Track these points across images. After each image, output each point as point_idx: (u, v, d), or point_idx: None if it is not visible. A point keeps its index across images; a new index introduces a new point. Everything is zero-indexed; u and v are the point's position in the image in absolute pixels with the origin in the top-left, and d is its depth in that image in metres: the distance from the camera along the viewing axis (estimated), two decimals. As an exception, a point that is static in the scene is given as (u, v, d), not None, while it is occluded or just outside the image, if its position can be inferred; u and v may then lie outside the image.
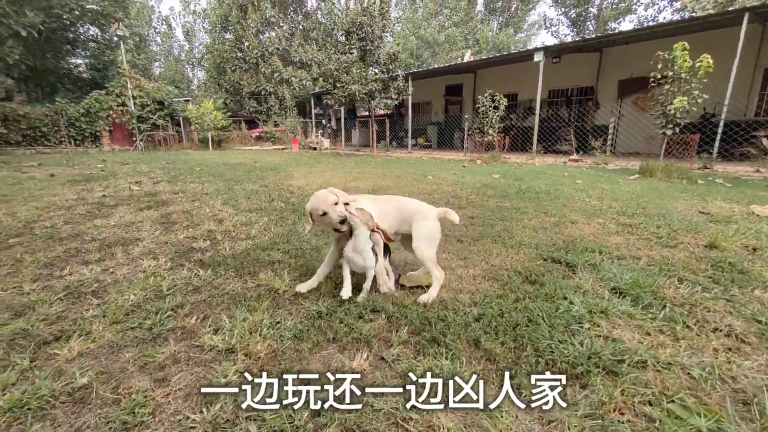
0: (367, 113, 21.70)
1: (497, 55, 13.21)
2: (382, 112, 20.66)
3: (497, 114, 10.22)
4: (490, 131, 10.40)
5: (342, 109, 18.87)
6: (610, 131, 10.67)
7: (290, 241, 3.17)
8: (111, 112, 17.85)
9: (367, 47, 11.75)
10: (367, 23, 11.32)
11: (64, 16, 19.30)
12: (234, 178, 7.17)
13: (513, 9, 33.54)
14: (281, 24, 24.91)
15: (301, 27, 25.71)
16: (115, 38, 19.02)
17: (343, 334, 1.73)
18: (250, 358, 1.57)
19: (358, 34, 11.75)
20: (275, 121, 22.16)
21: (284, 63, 23.51)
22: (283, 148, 18.98)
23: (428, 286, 2.29)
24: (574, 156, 11.24)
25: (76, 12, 19.96)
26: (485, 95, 10.28)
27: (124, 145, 18.33)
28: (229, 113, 22.27)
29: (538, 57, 11.20)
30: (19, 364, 1.52)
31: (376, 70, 12.27)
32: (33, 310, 1.98)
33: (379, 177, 7.34)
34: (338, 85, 12.00)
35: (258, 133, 22.17)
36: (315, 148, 17.86)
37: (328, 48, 12.20)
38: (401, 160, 11.66)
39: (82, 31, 23.09)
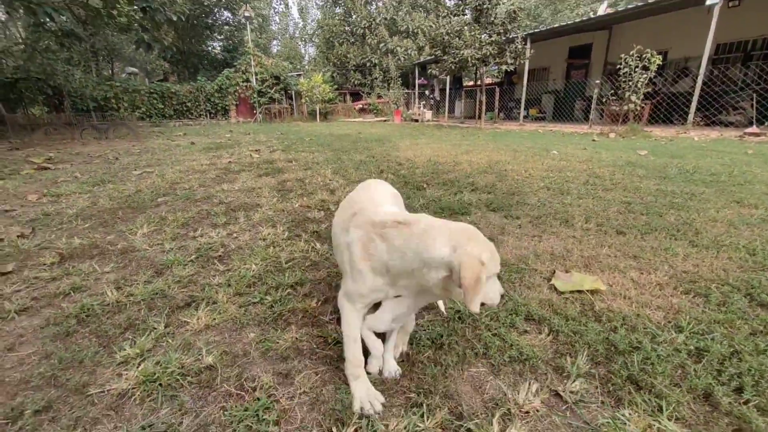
0: (473, 82, 20.19)
1: (648, 2, 10.60)
2: (489, 81, 18.99)
3: (646, 76, 8.22)
4: (633, 97, 8.47)
5: (448, 78, 17.86)
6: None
7: (406, 217, 2.85)
8: (237, 87, 19.99)
9: (483, 6, 10.54)
10: (484, -23, 10.10)
11: (205, 3, 21.92)
12: (341, 149, 7.20)
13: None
14: (388, -8, 24.40)
15: (408, -6, 24.84)
16: (243, 20, 20.95)
17: (496, 350, 1.32)
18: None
19: (472, -8, 10.61)
20: (378, 93, 22.22)
21: (390, 33, 23.14)
22: (385, 120, 18.99)
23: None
24: (753, 129, 8.61)
25: (215, -1, 22.57)
26: (631, 53, 8.32)
27: (246, 118, 20.50)
28: (336, 86, 23.08)
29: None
30: (155, 329, 1.49)
31: (491, 33, 11.00)
32: (170, 270, 2.03)
33: (492, 151, 6.58)
34: (448, 51, 11.14)
35: (361, 105, 22.58)
36: (417, 120, 17.39)
37: (440, 10, 11.28)
38: (513, 133, 10.48)
39: (218, 16, 26.12)
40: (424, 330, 1.45)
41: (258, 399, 1.11)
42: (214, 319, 1.55)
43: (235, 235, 2.61)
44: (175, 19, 11.54)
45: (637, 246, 2.26)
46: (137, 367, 1.26)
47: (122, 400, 1.15)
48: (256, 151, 7.19)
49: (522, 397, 1.11)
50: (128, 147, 8.50)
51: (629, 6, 10.81)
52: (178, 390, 1.18)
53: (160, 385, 1.20)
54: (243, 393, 1.16)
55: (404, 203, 3.08)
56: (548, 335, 1.41)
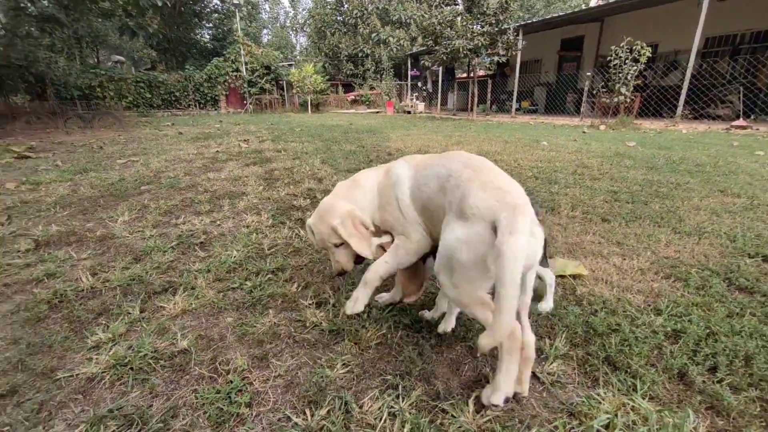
0: (465, 74, 20.11)
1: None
2: (482, 73, 18.91)
3: (636, 68, 8.24)
4: (623, 90, 8.50)
5: (440, 69, 17.76)
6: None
7: (393, 205, 2.82)
8: (227, 77, 19.62)
9: (475, -5, 10.44)
10: (477, -34, 9.97)
11: (192, -11, 21.38)
12: (332, 139, 7.13)
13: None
14: (381, -19, 24.04)
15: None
16: (232, 7, 20.50)
17: (475, 333, 1.31)
18: (359, 347, 1.26)
19: (465, -19, 10.48)
20: (371, 85, 22.01)
21: (382, 23, 22.86)
22: (377, 112, 18.84)
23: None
24: (740, 122, 8.73)
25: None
26: (622, 44, 8.32)
27: (236, 108, 20.18)
28: (327, 77, 22.79)
29: (703, -10, 8.64)
30: (130, 314, 1.45)
31: (483, 23, 10.91)
32: (149, 257, 1.98)
33: (482, 141, 6.57)
34: (440, 41, 11.04)
35: (353, 97, 22.37)
36: (409, 112, 17.29)
37: (432, 0, 11.14)
38: (504, 125, 10.47)
39: (206, 2, 25.50)
40: (405, 313, 1.44)
41: (231, 382, 1.09)
42: (191, 304, 1.52)
43: (218, 222, 2.57)
44: (160, 4, 11.22)
45: (621, 233, 2.27)
46: (108, 352, 1.23)
47: (91, 384, 1.11)
48: (245, 141, 7.08)
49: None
50: (114, 136, 8.31)
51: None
52: (149, 374, 1.15)
53: (131, 368, 1.17)
54: (216, 376, 1.13)
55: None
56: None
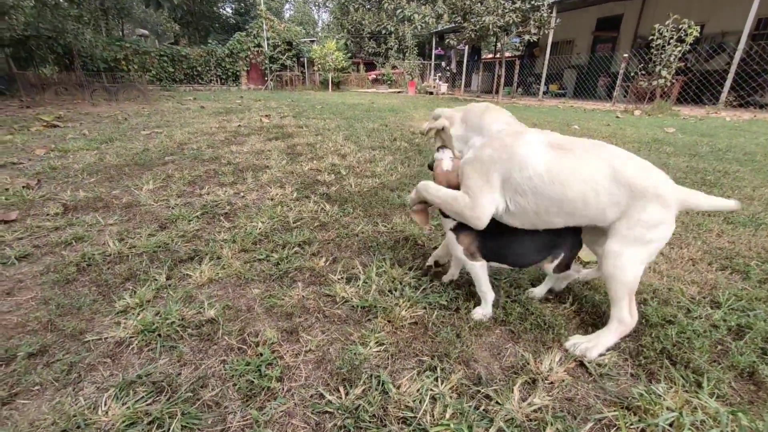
0: (491, 55, 19.33)
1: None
2: (509, 54, 18.14)
3: (680, 48, 7.67)
4: (664, 72, 7.96)
5: (465, 49, 17.13)
6: None
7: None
8: (249, 52, 19.47)
9: (508, -32, 9.84)
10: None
11: (215, -39, 21.05)
12: (354, 117, 6.98)
13: None
14: (407, -46, 23.05)
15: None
16: (254, -20, 20.11)
17: (517, 316, 1.23)
18: (393, 325, 1.20)
19: (498, -47, 9.87)
20: (393, 64, 21.46)
21: (407, -1, 22.07)
22: (399, 92, 18.43)
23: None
24: (790, 111, 8.09)
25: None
26: (667, 23, 7.73)
27: (257, 85, 20.09)
28: (349, 54, 22.33)
29: (762, -36, 7.88)
30: (156, 280, 1.43)
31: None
32: (174, 225, 1.96)
33: (509, 123, 6.30)
34: (469, 17, 10.55)
35: (375, 76, 21.90)
36: (431, 92, 16.83)
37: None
38: (532, 108, 10.06)
39: (229, -25, 25.14)
40: (438, 293, 1.36)
41: (260, 354, 1.05)
42: (218, 273, 1.48)
43: (242, 194, 2.53)
44: (184, -24, 11.07)
45: (667, 221, 2.11)
46: (137, 317, 1.21)
47: (119, 348, 1.09)
48: (267, 116, 7.02)
49: (546, 366, 1.02)
50: (138, 109, 8.38)
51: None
52: (177, 341, 1.12)
53: (159, 335, 1.14)
54: (245, 347, 1.09)
55: (418, 171, 2.93)
56: (572, 305, 1.31)
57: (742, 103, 9.96)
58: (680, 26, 7.65)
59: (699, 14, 11.92)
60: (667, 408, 0.88)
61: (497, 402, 0.91)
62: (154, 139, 4.48)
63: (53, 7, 13.14)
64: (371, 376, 0.98)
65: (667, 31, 7.75)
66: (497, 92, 13.14)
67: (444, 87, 17.06)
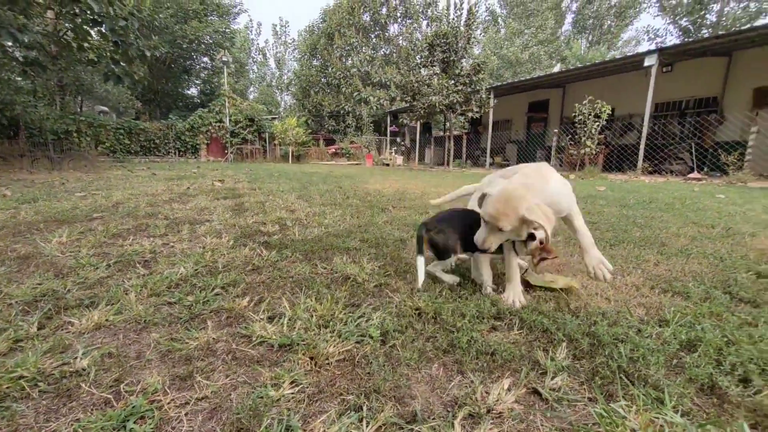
0: (442, 133, 21.24)
1: (596, 62, 11.82)
2: (457, 132, 20.04)
3: (598, 123, 8.88)
4: (588, 142, 9.06)
5: (418, 125, 18.68)
6: (751, 144, 8.60)
7: (369, 231, 2.64)
8: (210, 127, 19.89)
9: (450, 58, 11.33)
10: (451, 33, 10.95)
11: (184, 46, 22.43)
12: (309, 182, 7.04)
13: (606, 26, 30.98)
14: (363, 49, 26.07)
15: (382, 52, 26.65)
16: (221, 64, 21.44)
17: (464, 344, 1.08)
18: (315, 363, 1.00)
19: (441, 47, 11.42)
20: (351, 139, 22.78)
21: (364, 84, 24.35)
22: (357, 163, 19.26)
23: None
24: (695, 174, 9.33)
25: (194, 45, 23.21)
26: (584, 102, 9.04)
27: (217, 157, 20.19)
28: (310, 131, 23.51)
29: (650, 61, 9.68)
30: (22, 330, 1.14)
31: (457, 83, 11.74)
32: (75, 273, 1.67)
33: (461, 185, 6.63)
34: (418, 97, 11.69)
35: (334, 150, 22.95)
36: (388, 164, 17.76)
37: (410, 61, 12.01)
38: (480, 175, 10.79)
39: (196, 60, 26.66)
40: (375, 325, 1.19)
41: (131, 406, 0.80)
42: (110, 318, 1.22)
43: (171, 244, 2.28)
44: (149, 54, 11.54)
45: (607, 255, 2.14)
46: (-27, 373, 0.91)
47: (-70, 413, 0.79)
48: (221, 180, 6.90)
49: (493, 396, 0.86)
50: (81, 176, 7.95)
51: (579, 65, 11.97)
52: (18, 401, 0.84)
53: (-1, 393, 0.85)
54: (114, 400, 0.84)
55: (367, 221, 2.87)
56: (520, 330, 1.19)
57: (656, 170, 11.40)
58: (595, 105, 8.94)
59: (609, 100, 14.03)
60: (632, 429, 0.75)
61: (433, 440, 0.72)
62: (88, 199, 4.14)
63: (4, 82, 12.94)
64: (276, 421, 0.76)
65: (585, 109, 9.00)
66: (448, 164, 14.11)
67: (400, 159, 18.12)
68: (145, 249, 2.11)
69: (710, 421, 0.76)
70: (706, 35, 19.39)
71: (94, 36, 10.96)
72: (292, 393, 0.87)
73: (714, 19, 20.67)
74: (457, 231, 1.57)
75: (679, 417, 0.78)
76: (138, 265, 1.82)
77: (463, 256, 1.67)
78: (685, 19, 21.54)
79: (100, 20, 9.56)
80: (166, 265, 1.80)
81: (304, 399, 0.86)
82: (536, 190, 1.42)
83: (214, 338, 1.12)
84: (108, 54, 11.33)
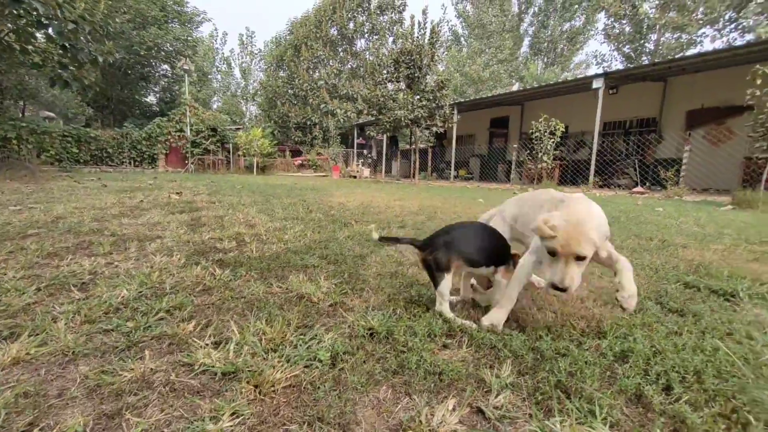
0: (408, 146, 21.66)
1: (550, 83, 12.62)
2: (423, 146, 20.51)
3: (553, 140, 9.46)
4: (545, 158, 9.61)
5: (384, 138, 18.92)
6: (684, 161, 9.48)
7: (329, 246, 2.61)
8: (169, 137, 19.05)
9: (415, 75, 11.66)
10: (416, 51, 11.30)
11: (142, 52, 21.51)
12: (273, 194, 6.90)
13: (560, 49, 33.29)
14: (331, 63, 26.23)
15: (349, 66, 26.92)
16: (182, 72, 20.73)
17: (413, 365, 1.08)
18: (260, 391, 0.96)
19: (406, 63, 11.74)
20: (318, 151, 22.66)
21: (331, 96, 24.42)
22: (324, 175, 19.13)
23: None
24: (639, 188, 10.10)
25: (153, 52, 22.31)
26: (540, 120, 9.62)
27: (176, 167, 19.33)
28: (276, 142, 23.14)
29: (597, 83, 10.49)
30: (-74, 368, 1.01)
31: (422, 99, 12.08)
32: (-2, 299, 1.52)
33: (424, 198, 6.77)
34: (384, 111, 11.89)
35: (301, 161, 22.70)
36: (355, 177, 17.79)
37: (376, 76, 12.24)
38: (444, 188, 11.08)
39: (155, 68, 25.60)
40: (326, 349, 1.17)
41: (47, 450, 0.73)
42: (32, 351, 1.12)
43: (115, 264, 2.14)
44: (101, 59, 10.94)
45: (557, 268, 2.25)
46: None
47: None
48: (178, 193, 6.59)
49: (438, 418, 0.87)
50: (19, 187, 7.30)
51: (535, 85, 12.72)
52: None
53: None
54: (27, 444, 0.76)
55: (328, 237, 2.85)
56: (469, 347, 1.22)
57: (605, 184, 12.23)
58: (550, 123, 9.51)
59: (563, 118, 14.95)
60: (563, 444, 0.78)
61: (373, 468, 0.72)
62: (23, 214, 3.81)
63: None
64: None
65: (541, 126, 9.55)
66: (414, 176, 14.37)
67: (367, 172, 18.22)
68: (84, 269, 1.96)
69: (633, 431, 0.81)
70: (646, 62, 21.33)
71: (40, 38, 10.28)
72: (232, 426, 0.84)
73: (652, 47, 22.80)
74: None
75: (608, 429, 0.82)
76: (73, 288, 1.69)
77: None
78: (627, 46, 23.62)
79: (46, 23, 8.94)
80: (107, 287, 1.68)
81: (244, 431, 0.82)
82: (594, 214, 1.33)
83: (151, 368, 1.06)
84: (56, 57, 10.64)
